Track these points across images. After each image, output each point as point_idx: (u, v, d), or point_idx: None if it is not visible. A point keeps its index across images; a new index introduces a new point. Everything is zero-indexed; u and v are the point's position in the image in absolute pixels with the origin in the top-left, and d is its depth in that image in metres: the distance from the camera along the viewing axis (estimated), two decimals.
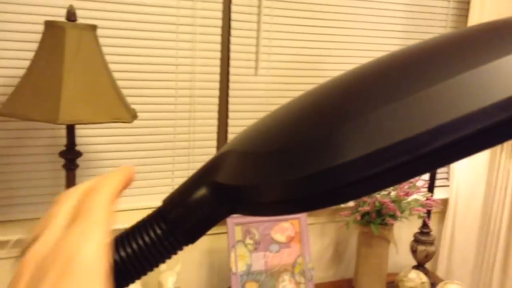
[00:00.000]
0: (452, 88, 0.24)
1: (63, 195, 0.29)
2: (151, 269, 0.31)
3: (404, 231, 1.83)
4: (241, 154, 0.29)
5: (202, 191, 0.30)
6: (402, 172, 0.24)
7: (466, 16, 1.80)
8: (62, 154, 1.20)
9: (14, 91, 1.12)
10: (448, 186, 1.92)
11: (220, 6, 1.50)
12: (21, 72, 1.16)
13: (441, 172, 1.95)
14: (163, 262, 0.31)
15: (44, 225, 0.27)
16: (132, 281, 0.31)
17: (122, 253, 0.30)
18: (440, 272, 1.90)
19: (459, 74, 0.24)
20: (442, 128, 0.23)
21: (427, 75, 0.25)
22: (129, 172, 0.31)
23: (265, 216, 0.29)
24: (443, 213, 1.93)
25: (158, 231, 0.30)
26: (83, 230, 0.26)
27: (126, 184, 0.30)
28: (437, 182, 1.93)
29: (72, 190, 0.29)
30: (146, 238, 0.30)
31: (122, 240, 0.30)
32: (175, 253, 0.31)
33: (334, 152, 0.25)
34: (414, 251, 1.70)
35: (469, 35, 0.28)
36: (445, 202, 1.90)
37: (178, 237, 0.30)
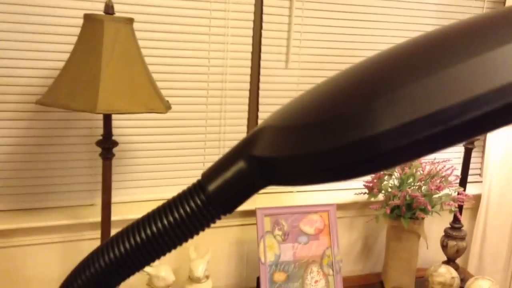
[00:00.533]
0: (481, 64, 0.25)
1: None
2: (188, 239, 0.33)
3: (435, 226, 1.81)
4: (276, 128, 0.31)
5: (240, 164, 0.32)
6: (435, 142, 0.26)
7: None
8: (99, 143, 1.24)
9: (55, 82, 1.17)
10: (481, 182, 1.89)
11: (252, 0, 1.52)
12: (61, 64, 1.21)
13: (474, 168, 1.93)
14: (199, 232, 0.33)
15: None
16: (169, 251, 0.33)
17: (161, 224, 0.32)
18: (471, 269, 1.87)
19: (487, 52, 0.25)
20: (472, 101, 0.24)
21: (457, 52, 0.26)
22: None
23: (299, 185, 0.30)
24: (475, 209, 1.91)
25: (198, 202, 0.32)
26: None
27: None
28: (470, 178, 1.90)
29: None
30: (186, 208, 0.32)
31: (161, 212, 0.32)
32: (212, 223, 0.33)
33: (371, 123, 0.26)
34: (444, 246, 1.68)
35: (496, 16, 0.29)
36: (477, 198, 1.87)
37: (217, 208, 0.32)
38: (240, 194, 0.32)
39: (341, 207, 1.71)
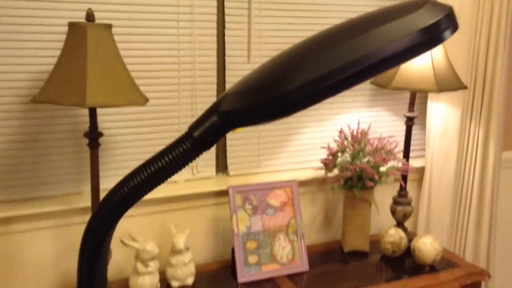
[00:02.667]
0: (351, 45, 0.45)
1: None
2: (181, 168, 0.52)
3: (386, 196, 2.05)
4: (234, 93, 0.51)
5: (213, 118, 0.52)
6: (324, 92, 0.46)
7: None
8: (86, 134, 1.42)
9: (46, 82, 1.34)
10: (423, 156, 2.15)
11: (214, 3, 1.72)
12: (49, 67, 1.37)
13: (419, 144, 2.18)
14: (189, 163, 0.52)
15: None
16: (171, 176, 0.52)
17: (166, 158, 0.52)
18: (420, 232, 2.13)
19: (356, 37, 0.45)
20: (344, 66, 0.45)
21: (340, 37, 0.47)
22: None
23: (250, 125, 0.50)
24: (421, 180, 2.16)
25: (188, 144, 0.52)
26: None
27: None
28: (416, 153, 2.16)
29: None
30: (180, 148, 0.52)
31: (165, 151, 0.52)
32: (196, 157, 0.53)
33: (285, 83, 0.47)
34: (393, 212, 1.93)
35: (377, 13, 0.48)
36: (422, 170, 2.13)
37: (200, 147, 0.52)
38: (215, 136, 0.52)
39: (303, 183, 1.93)
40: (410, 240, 1.86)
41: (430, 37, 0.44)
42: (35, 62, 1.52)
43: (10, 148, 1.55)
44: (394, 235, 1.81)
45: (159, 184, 0.53)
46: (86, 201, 1.57)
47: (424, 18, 0.45)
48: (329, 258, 1.91)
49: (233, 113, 0.50)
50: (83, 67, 1.29)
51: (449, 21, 0.45)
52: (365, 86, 2.01)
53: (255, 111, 0.49)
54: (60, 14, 1.52)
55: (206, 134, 0.52)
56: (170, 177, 0.53)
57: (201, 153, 0.53)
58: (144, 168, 0.52)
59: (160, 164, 0.52)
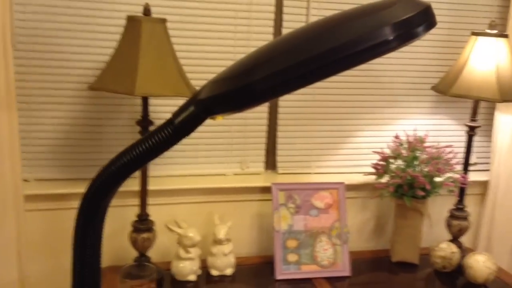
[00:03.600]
0: (307, 43, 0.45)
1: None
2: (163, 152, 0.55)
3: (444, 209, 1.95)
4: (211, 82, 0.52)
5: (191, 108, 0.54)
6: (285, 87, 0.46)
7: None
8: (138, 122, 1.50)
9: (103, 71, 1.44)
10: (488, 170, 2.01)
11: (272, 8, 1.74)
12: (106, 58, 1.47)
13: (479, 156, 2.04)
14: (169, 148, 0.55)
15: None
16: (154, 158, 0.55)
17: (150, 141, 0.54)
18: (479, 250, 1.99)
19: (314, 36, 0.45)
20: (302, 62, 0.45)
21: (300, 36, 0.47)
22: None
23: (223, 113, 0.51)
24: (483, 195, 2.03)
25: (169, 130, 0.55)
26: None
27: None
28: (480, 166, 2.02)
29: None
30: (164, 133, 0.55)
31: (150, 135, 0.55)
32: (175, 144, 0.55)
33: (251, 76, 0.48)
34: (449, 226, 1.83)
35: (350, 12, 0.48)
36: (485, 184, 1.99)
37: (179, 134, 0.54)
38: (193, 124, 0.54)
39: (353, 187, 1.89)
40: (463, 257, 1.75)
41: (401, 33, 0.43)
42: (98, 52, 1.63)
43: (73, 131, 1.68)
44: (445, 249, 1.72)
45: (143, 165, 0.56)
46: (137, 185, 1.66)
47: (396, 13, 0.43)
48: (375, 266, 1.85)
49: (206, 101, 0.52)
50: (135, 58, 1.37)
51: (423, 17, 0.44)
52: (426, 92, 1.92)
53: (224, 99, 0.50)
54: (123, 8, 1.62)
55: (185, 122, 0.54)
56: (152, 159, 0.55)
57: (181, 139, 0.55)
58: (129, 150, 0.55)
59: (143, 147, 0.55)
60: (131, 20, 1.41)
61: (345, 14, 0.47)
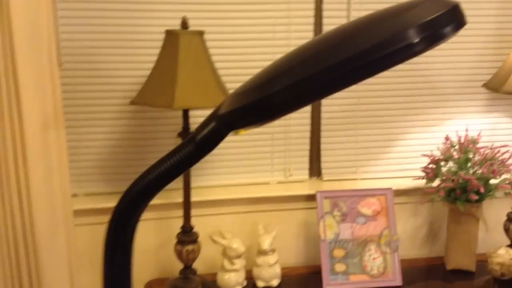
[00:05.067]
0: (319, 56, 0.42)
1: None
2: (187, 168, 0.54)
3: (501, 212, 1.84)
4: (231, 95, 0.51)
5: (212, 124, 0.52)
6: (301, 100, 0.44)
7: None
8: (179, 134, 1.51)
9: (143, 85, 1.45)
10: None
11: (311, 13, 1.71)
12: (147, 72, 1.49)
13: None
14: (190, 167, 0.53)
15: None
16: (177, 176, 0.54)
17: (173, 158, 0.53)
18: None
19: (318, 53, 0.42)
20: (315, 75, 0.42)
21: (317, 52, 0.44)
22: None
23: (244, 127, 0.49)
24: None
25: (192, 147, 0.53)
26: None
27: None
28: None
29: None
30: (186, 150, 0.54)
31: (173, 152, 0.54)
32: (198, 161, 0.53)
33: (269, 88, 0.46)
34: (506, 230, 1.72)
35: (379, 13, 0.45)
36: None
37: (201, 150, 0.53)
38: (215, 140, 0.53)
39: (403, 193, 1.82)
40: None
41: (426, 36, 0.40)
42: (140, 67, 1.66)
43: (119, 145, 1.71)
44: (503, 256, 1.62)
45: (166, 184, 0.55)
46: (180, 197, 1.67)
47: (422, 14, 0.40)
48: (428, 275, 1.77)
49: (226, 116, 0.50)
50: (174, 71, 1.38)
51: (451, 17, 0.41)
52: (478, 90, 1.83)
53: (243, 113, 0.48)
54: (166, 23, 1.63)
55: (206, 138, 0.53)
56: (176, 177, 0.54)
57: (203, 156, 0.54)
58: (153, 169, 0.55)
59: (166, 166, 0.54)
60: (169, 34, 1.42)
61: (367, 18, 0.44)
